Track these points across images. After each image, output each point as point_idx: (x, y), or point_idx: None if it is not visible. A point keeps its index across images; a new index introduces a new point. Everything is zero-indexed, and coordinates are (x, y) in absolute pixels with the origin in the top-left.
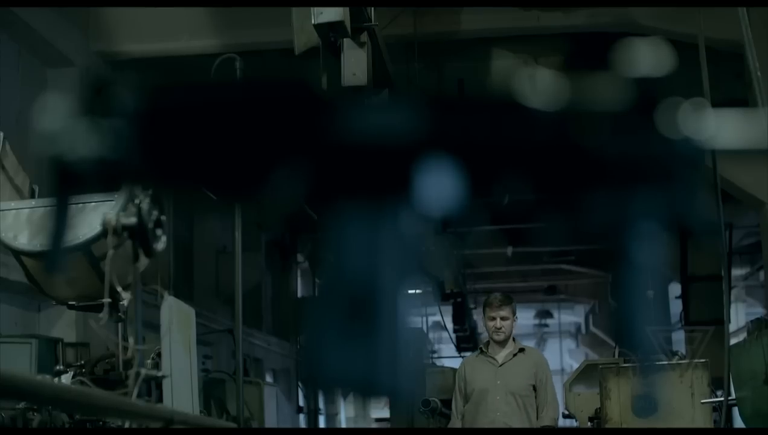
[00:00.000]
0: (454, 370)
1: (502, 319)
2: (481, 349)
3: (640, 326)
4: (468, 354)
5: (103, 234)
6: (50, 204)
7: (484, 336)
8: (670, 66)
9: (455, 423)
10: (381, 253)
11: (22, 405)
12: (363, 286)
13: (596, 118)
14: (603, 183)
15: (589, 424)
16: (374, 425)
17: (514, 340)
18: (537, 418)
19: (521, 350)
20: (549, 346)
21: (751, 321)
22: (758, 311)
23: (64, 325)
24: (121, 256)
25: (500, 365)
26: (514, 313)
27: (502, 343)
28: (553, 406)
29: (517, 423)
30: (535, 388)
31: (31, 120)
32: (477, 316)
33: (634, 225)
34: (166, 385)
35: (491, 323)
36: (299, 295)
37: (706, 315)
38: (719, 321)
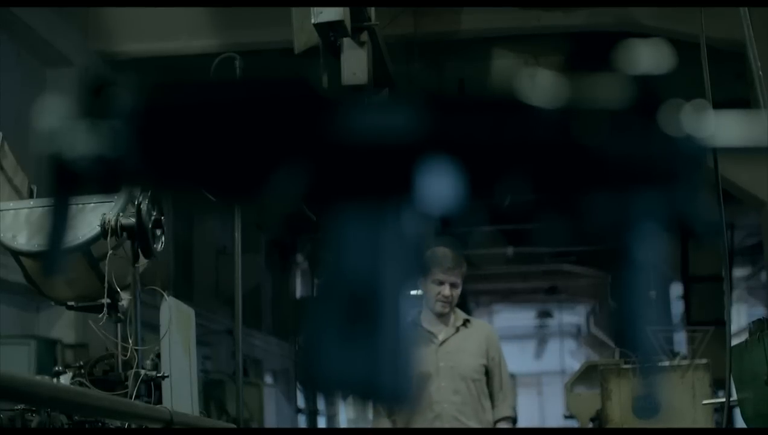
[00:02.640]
0: None
1: (453, 286)
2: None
3: (640, 327)
4: None
5: (103, 234)
6: (49, 204)
7: None
8: (671, 66)
9: (382, 422)
10: (381, 253)
11: (20, 406)
12: (363, 286)
13: (597, 118)
14: (604, 183)
15: (590, 424)
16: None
17: (454, 310)
18: (492, 408)
19: (466, 322)
20: (550, 347)
21: (753, 322)
22: (760, 312)
23: (63, 326)
24: (121, 257)
25: (441, 343)
26: (462, 280)
27: (444, 317)
28: (510, 392)
29: (472, 416)
30: (487, 370)
31: (30, 120)
32: (476, 314)
33: (635, 225)
34: (165, 385)
35: (438, 289)
36: (299, 295)
37: (707, 315)
38: (720, 321)
